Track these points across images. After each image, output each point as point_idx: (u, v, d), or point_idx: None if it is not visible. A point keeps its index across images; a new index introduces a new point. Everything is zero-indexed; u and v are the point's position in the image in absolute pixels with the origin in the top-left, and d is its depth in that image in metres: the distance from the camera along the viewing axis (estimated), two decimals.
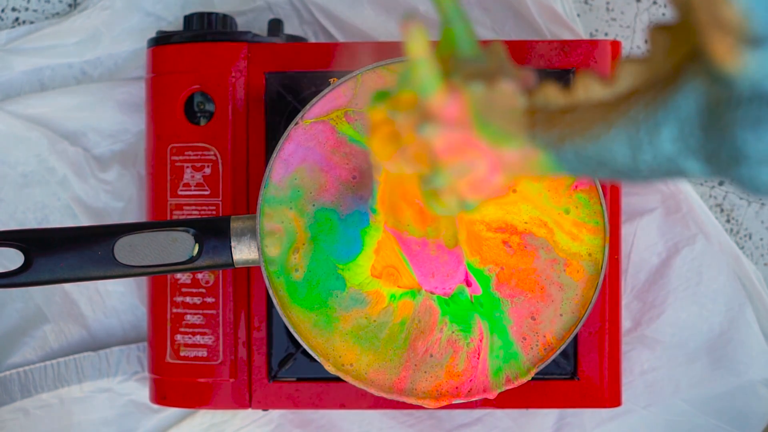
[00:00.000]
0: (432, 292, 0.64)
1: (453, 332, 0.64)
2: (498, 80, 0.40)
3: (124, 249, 0.62)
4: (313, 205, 0.64)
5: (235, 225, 0.63)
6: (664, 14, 0.82)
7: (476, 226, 0.64)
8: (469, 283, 0.64)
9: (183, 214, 0.71)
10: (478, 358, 0.64)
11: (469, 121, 0.39)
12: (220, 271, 0.71)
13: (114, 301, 0.80)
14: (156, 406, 0.77)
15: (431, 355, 0.64)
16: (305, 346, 0.64)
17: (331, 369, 0.63)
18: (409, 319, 0.64)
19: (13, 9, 0.82)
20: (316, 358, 0.64)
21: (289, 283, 0.63)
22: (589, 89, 0.38)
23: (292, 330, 0.64)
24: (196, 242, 0.62)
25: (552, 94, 0.39)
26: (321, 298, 0.63)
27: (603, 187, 0.67)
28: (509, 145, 0.39)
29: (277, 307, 0.64)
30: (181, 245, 0.62)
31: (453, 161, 0.40)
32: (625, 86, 0.38)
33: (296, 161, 0.64)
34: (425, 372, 0.64)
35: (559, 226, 0.64)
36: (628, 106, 0.36)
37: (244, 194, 0.71)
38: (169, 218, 0.71)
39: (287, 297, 0.63)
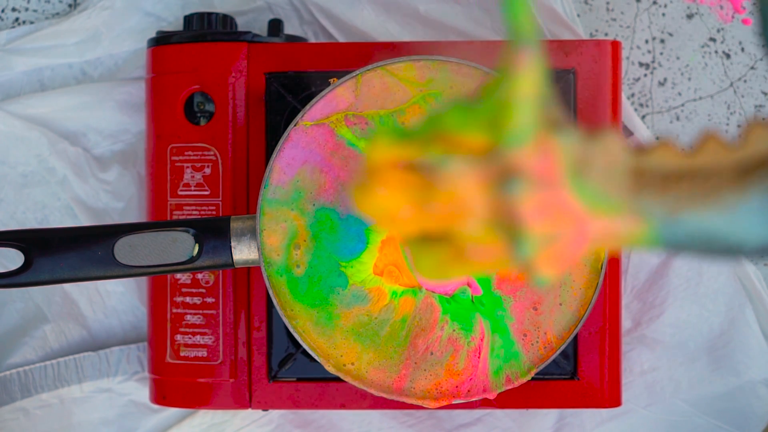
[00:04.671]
0: (433, 291, 0.64)
1: (454, 330, 0.64)
2: (600, 133, 0.33)
3: (124, 249, 0.62)
4: (314, 205, 0.64)
5: (235, 225, 0.63)
6: (663, 14, 0.82)
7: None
8: (470, 284, 0.64)
9: (183, 214, 0.71)
10: (478, 357, 0.64)
11: (562, 180, 0.32)
12: (220, 271, 0.71)
13: (114, 301, 0.80)
14: (156, 406, 0.77)
15: (431, 353, 0.64)
16: (305, 346, 0.64)
17: (331, 369, 0.63)
18: (410, 317, 0.64)
19: (13, 9, 0.82)
20: (316, 358, 0.64)
21: (290, 279, 0.64)
22: (712, 153, 0.33)
23: (292, 330, 0.64)
24: (196, 242, 0.62)
25: (667, 155, 0.33)
26: (322, 294, 0.63)
27: None
28: (610, 211, 0.32)
29: (277, 308, 0.64)
30: (181, 245, 0.62)
31: (540, 227, 0.32)
32: (756, 151, 0.33)
33: (298, 163, 0.64)
34: (425, 370, 0.64)
35: None
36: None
37: (244, 194, 0.71)
38: (169, 218, 0.71)
39: (288, 293, 0.63)
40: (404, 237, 0.37)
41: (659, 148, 0.34)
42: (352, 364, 0.64)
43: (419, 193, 0.35)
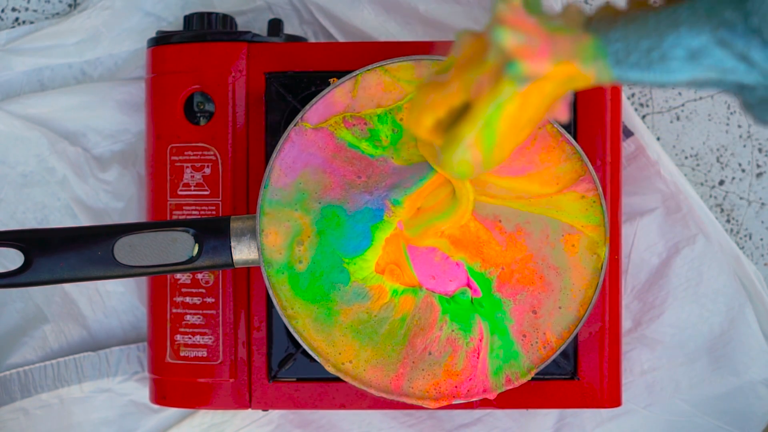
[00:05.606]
0: (433, 291, 0.64)
1: (453, 331, 0.64)
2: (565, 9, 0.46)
3: (124, 249, 0.62)
4: (319, 203, 0.64)
5: (235, 225, 0.63)
6: None
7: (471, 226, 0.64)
8: (470, 286, 0.64)
9: (183, 214, 0.71)
10: (477, 358, 0.64)
11: (531, 17, 0.45)
12: (220, 271, 0.71)
13: (114, 301, 0.80)
14: (156, 406, 0.77)
15: (430, 353, 0.64)
16: (305, 346, 0.64)
17: (331, 369, 0.63)
18: (410, 316, 0.64)
19: (13, 9, 0.82)
20: (315, 358, 0.64)
21: (292, 275, 0.64)
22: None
23: (292, 330, 0.64)
24: (196, 242, 0.62)
25: (609, 13, 0.46)
26: (323, 290, 0.63)
27: (603, 188, 0.67)
28: (565, 32, 0.45)
29: (277, 308, 0.64)
30: (181, 245, 0.62)
31: (513, 28, 0.44)
32: None
33: (299, 166, 0.64)
34: (423, 370, 0.64)
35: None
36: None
37: (244, 194, 0.71)
38: (169, 218, 0.71)
39: (289, 289, 0.63)
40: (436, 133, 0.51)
41: (601, 10, 0.46)
42: (350, 362, 0.64)
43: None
